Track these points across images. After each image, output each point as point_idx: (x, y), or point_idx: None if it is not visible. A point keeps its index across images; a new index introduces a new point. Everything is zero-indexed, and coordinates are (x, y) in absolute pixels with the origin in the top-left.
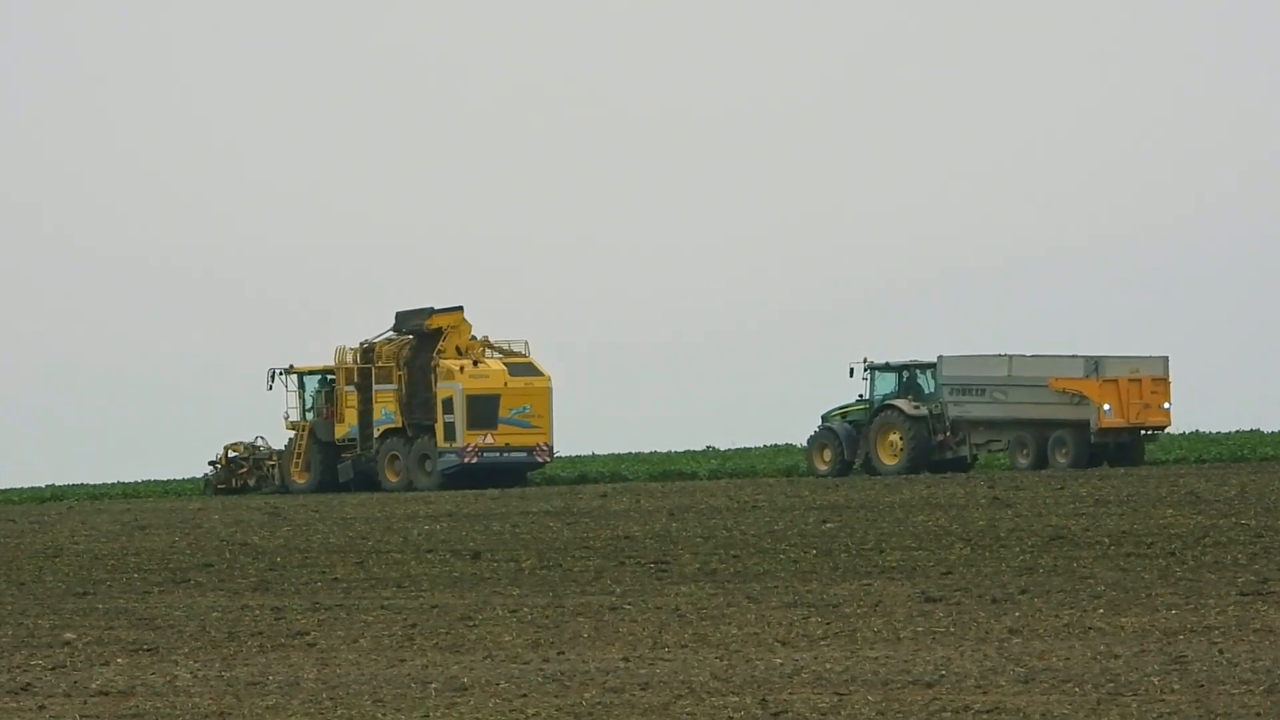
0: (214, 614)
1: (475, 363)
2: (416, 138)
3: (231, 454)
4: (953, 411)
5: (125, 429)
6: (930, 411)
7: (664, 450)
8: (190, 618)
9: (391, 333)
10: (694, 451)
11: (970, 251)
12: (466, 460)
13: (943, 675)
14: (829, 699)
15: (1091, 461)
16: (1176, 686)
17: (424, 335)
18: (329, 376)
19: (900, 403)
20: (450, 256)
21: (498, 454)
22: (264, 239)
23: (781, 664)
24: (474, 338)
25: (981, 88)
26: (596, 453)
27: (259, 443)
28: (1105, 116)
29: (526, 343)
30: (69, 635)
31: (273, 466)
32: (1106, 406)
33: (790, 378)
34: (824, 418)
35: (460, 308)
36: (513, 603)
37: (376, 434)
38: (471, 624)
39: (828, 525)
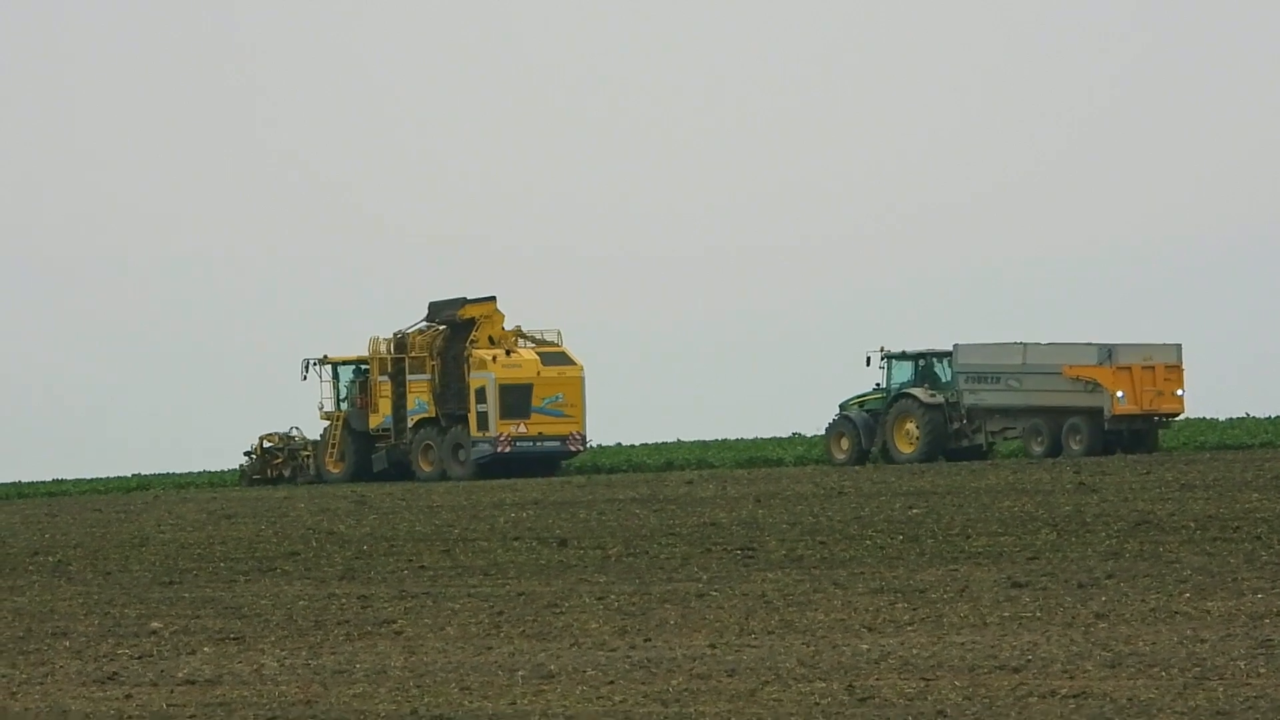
0: (300, 602)
1: (508, 352)
2: (450, 128)
3: (266, 444)
4: (968, 399)
5: (161, 421)
6: (946, 400)
7: (750, 437)
8: (276, 606)
9: (425, 323)
10: (780, 438)
11: (1014, 243)
12: (500, 449)
13: (1029, 660)
14: (915, 684)
15: (1106, 449)
16: (1263, 670)
17: (457, 325)
18: (363, 367)
19: (916, 391)
20: (483, 247)
21: (531, 443)
22: (298, 230)
23: (868, 650)
24: (506, 328)
25: (997, 80)
26: (681, 438)
27: (294, 433)
28: (1114, 110)
29: (559, 332)
30: (155, 624)
31: (308, 457)
32: (1120, 394)
33: (814, 368)
34: (841, 407)
35: (493, 298)
36: (599, 590)
37: (410, 424)
38: (558, 611)
39: (914, 511)
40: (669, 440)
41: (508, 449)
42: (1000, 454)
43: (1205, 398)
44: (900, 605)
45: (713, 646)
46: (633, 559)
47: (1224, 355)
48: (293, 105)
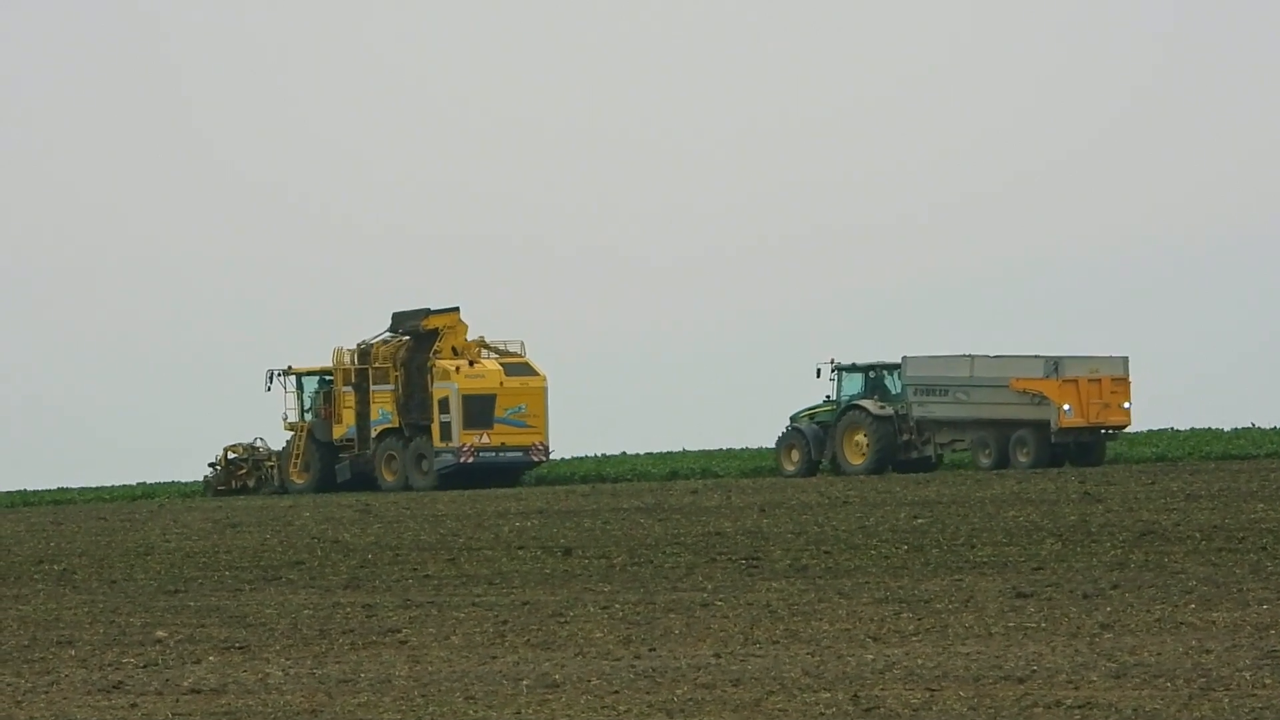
0: (305, 611)
1: (471, 363)
2: (413, 138)
3: (231, 455)
4: (917, 412)
5: (125, 431)
6: (896, 412)
7: (755, 446)
8: (282, 615)
9: (388, 333)
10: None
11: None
12: (463, 460)
13: (1034, 671)
14: (921, 695)
15: (1053, 461)
16: (1269, 681)
17: (420, 336)
18: (327, 377)
19: (866, 403)
20: (447, 258)
21: (494, 453)
22: (262, 241)
23: (873, 660)
24: (470, 338)
25: (944, 91)
26: (686, 448)
27: (258, 444)
28: (1065, 122)
29: (522, 343)
30: (160, 633)
31: (272, 467)
32: (1066, 406)
33: (776, 379)
34: (792, 419)
35: (456, 308)
36: (604, 599)
37: (374, 434)
38: (563, 621)
39: (919, 521)
40: (674, 450)
41: (471, 459)
42: (950, 466)
43: (1209, 408)
44: (905, 615)
45: (717, 656)
46: (637, 568)
47: (1227, 365)
48: (255, 113)
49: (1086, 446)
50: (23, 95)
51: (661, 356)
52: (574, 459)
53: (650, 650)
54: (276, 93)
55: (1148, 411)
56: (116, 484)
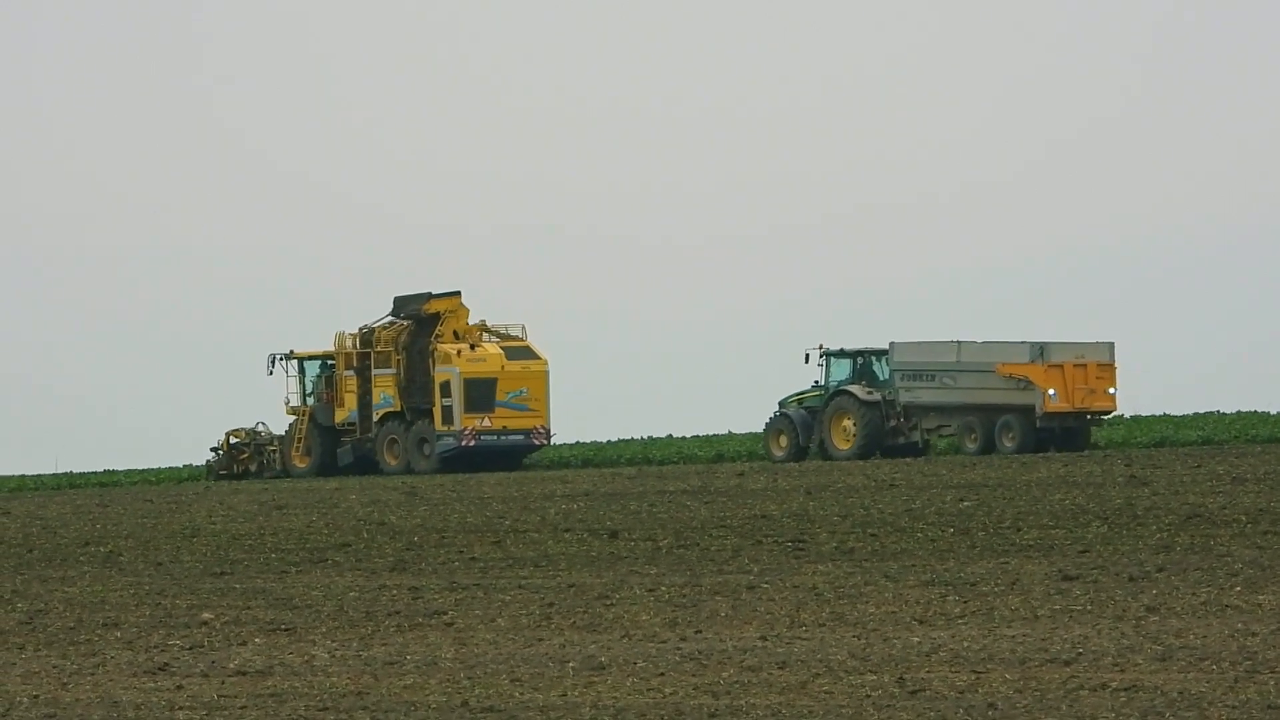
0: (351, 594)
1: (472, 346)
2: (416, 123)
3: (233, 440)
4: (904, 397)
5: (127, 416)
6: (884, 397)
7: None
8: (328, 597)
9: (390, 317)
10: None
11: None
12: (464, 443)
13: (1080, 653)
14: (966, 677)
15: (1038, 446)
16: None
17: (422, 320)
18: (329, 361)
19: (854, 388)
20: (448, 242)
21: (495, 437)
22: (264, 225)
23: (919, 642)
24: (471, 322)
25: (936, 81)
26: (733, 430)
27: (260, 428)
28: (1053, 113)
29: (524, 326)
30: (206, 615)
31: (274, 451)
32: (1051, 391)
33: (775, 363)
34: (781, 404)
35: (458, 292)
36: (650, 582)
37: (376, 418)
38: (609, 603)
39: (965, 504)
40: (720, 432)
41: (472, 443)
42: (937, 451)
43: (1259, 392)
44: (951, 598)
45: (763, 638)
46: (683, 551)
47: (1275, 349)
48: (257, 97)
49: (1072, 431)
50: (22, 82)
51: (663, 340)
52: (620, 441)
53: (696, 632)
54: (279, 77)
55: (1192, 395)
56: (162, 466)
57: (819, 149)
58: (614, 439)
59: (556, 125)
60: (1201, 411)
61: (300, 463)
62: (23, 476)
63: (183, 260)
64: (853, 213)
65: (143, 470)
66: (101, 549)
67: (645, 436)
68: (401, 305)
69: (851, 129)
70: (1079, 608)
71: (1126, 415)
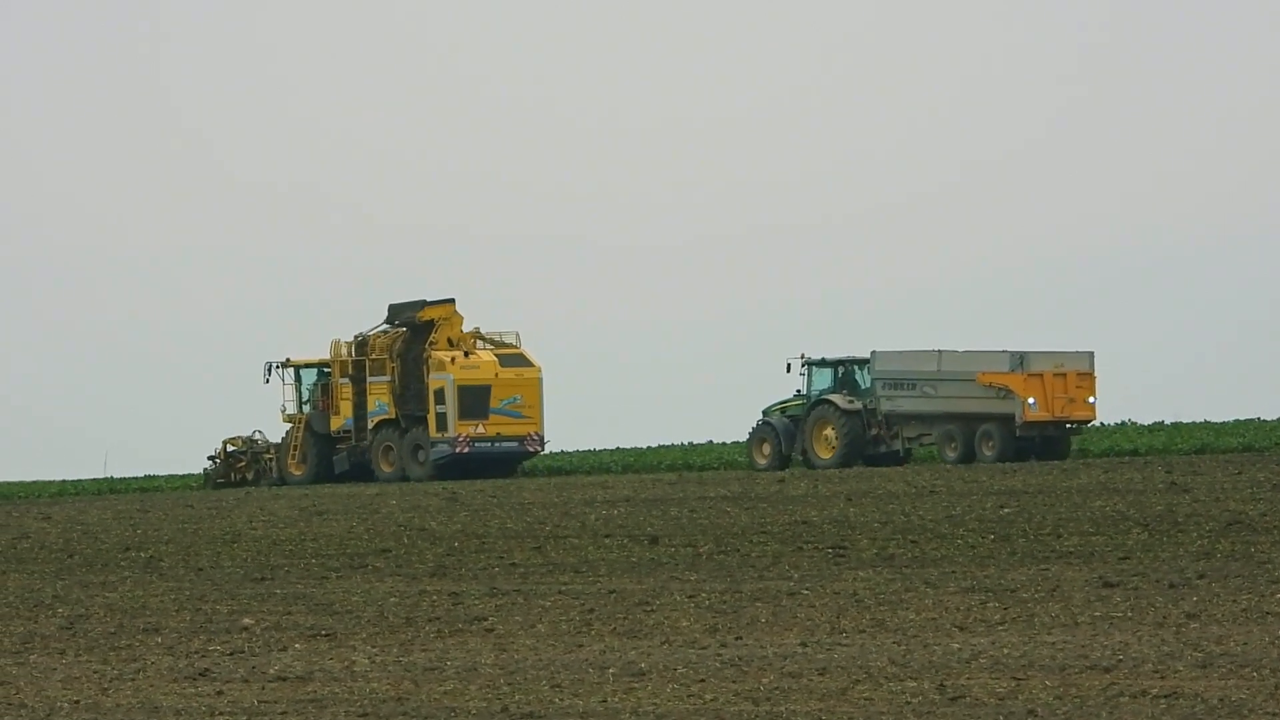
0: (391, 599)
1: (466, 354)
2: (410, 131)
3: (230, 448)
4: (885, 406)
5: (125, 426)
6: (865, 406)
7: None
8: (368, 603)
9: (385, 325)
10: None
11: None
12: (458, 450)
13: (1120, 660)
14: (1007, 684)
15: (1018, 455)
16: None
17: (416, 327)
18: (324, 369)
19: (835, 398)
20: (443, 250)
21: (489, 444)
22: (260, 234)
23: (959, 649)
24: (465, 329)
25: (914, 86)
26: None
27: (256, 436)
28: (1032, 117)
29: (517, 334)
30: (247, 620)
31: (270, 460)
32: (1031, 400)
33: (763, 371)
34: (765, 413)
35: (452, 300)
36: (690, 588)
37: (371, 425)
38: (649, 609)
39: (1005, 510)
40: (699, 441)
41: (466, 450)
42: (920, 459)
43: None
44: (991, 605)
45: (804, 645)
46: (724, 557)
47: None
48: (250, 105)
49: (1051, 440)
50: (13, 89)
51: (656, 348)
52: (659, 447)
53: (737, 639)
54: (270, 85)
55: (1233, 401)
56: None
57: (808, 154)
58: (654, 444)
59: (551, 132)
60: (1243, 418)
61: (296, 470)
62: (64, 481)
63: (179, 270)
64: (833, 221)
65: (183, 476)
66: (142, 554)
67: (686, 443)
68: (396, 313)
69: (837, 136)
70: (1119, 614)
71: (1167, 422)
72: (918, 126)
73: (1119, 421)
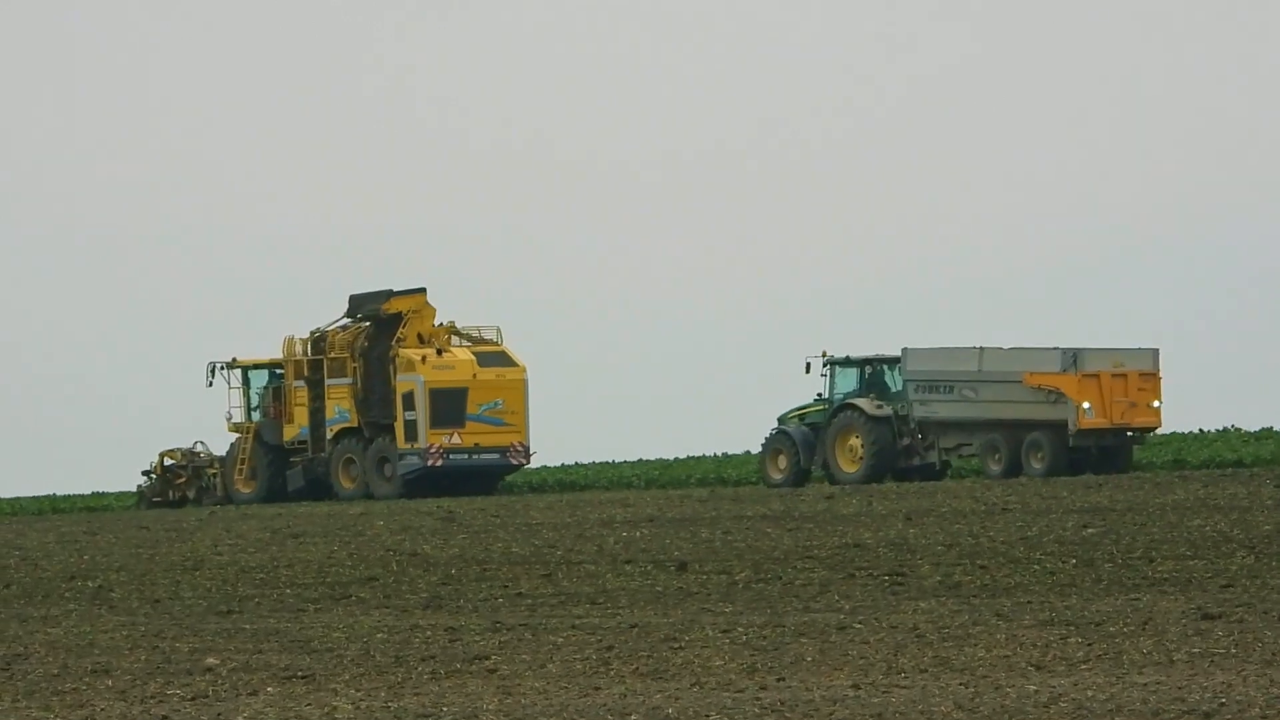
0: (379, 635)
1: (440, 352)
2: (373, 107)
3: (168, 462)
4: (919, 412)
5: (50, 435)
6: (895, 412)
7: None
8: (351, 640)
9: (345, 319)
10: None
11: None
12: (430, 463)
13: (1223, 704)
14: None
15: (1071, 468)
16: None
17: (382, 321)
18: (276, 371)
19: (861, 402)
20: (411, 234)
21: (466, 455)
22: (203, 217)
23: (1036, 691)
24: (438, 324)
25: (956, 79)
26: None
27: (198, 449)
28: (1098, 102)
29: (499, 329)
30: (211, 660)
31: (214, 475)
32: (1086, 405)
33: (770, 374)
34: (780, 420)
35: (423, 290)
36: (725, 622)
37: (329, 435)
38: (677, 646)
39: (1089, 531)
40: (709, 454)
41: (439, 462)
42: (958, 474)
43: None
44: (1073, 640)
45: (856, 688)
46: (763, 585)
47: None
48: (199, 91)
49: (1110, 451)
50: None
51: (664, 347)
52: (689, 458)
53: (778, 680)
54: (226, 70)
55: None
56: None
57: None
58: (682, 455)
59: (528, 101)
60: None
61: (244, 487)
62: None
63: (109, 254)
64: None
65: (132, 493)
66: (90, 583)
67: (719, 454)
68: (358, 305)
69: (858, 122)
70: (1221, 651)
71: (1276, 428)
72: (949, 106)
73: (1221, 428)
